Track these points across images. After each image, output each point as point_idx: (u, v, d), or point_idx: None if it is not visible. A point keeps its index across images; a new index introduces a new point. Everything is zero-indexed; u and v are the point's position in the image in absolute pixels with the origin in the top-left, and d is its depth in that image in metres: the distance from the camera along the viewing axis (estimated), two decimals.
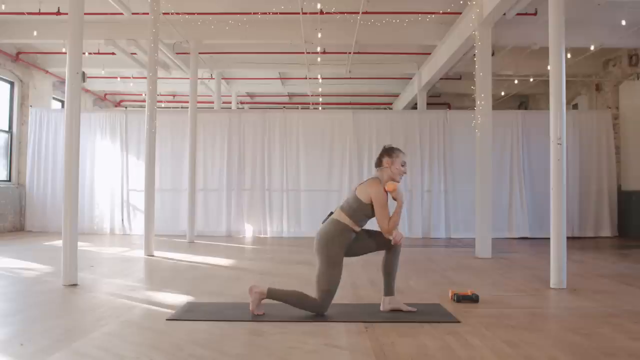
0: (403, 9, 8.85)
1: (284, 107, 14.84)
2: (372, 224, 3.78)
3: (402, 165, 3.83)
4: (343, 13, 8.77)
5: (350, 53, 10.78)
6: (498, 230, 9.82)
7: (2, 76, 10.89)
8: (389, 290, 3.86)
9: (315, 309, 3.70)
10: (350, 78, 13.45)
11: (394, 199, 3.78)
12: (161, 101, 15.14)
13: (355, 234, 3.80)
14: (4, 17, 9.21)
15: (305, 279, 5.29)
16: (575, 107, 12.49)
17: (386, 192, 3.77)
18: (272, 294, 3.72)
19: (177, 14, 8.87)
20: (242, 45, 10.90)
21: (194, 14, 9.00)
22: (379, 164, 3.87)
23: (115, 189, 10.79)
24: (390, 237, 3.72)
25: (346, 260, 3.84)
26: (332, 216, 3.81)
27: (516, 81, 11.88)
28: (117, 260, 6.86)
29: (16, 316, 3.73)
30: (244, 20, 9.31)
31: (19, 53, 11.16)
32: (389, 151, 3.85)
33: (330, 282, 3.66)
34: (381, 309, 3.87)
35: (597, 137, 10.67)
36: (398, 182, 3.84)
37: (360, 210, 3.73)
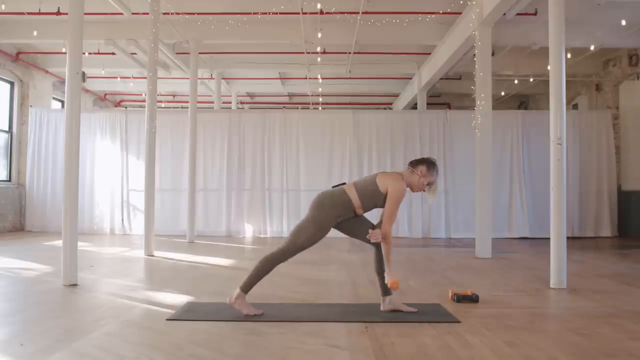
0: (403, 9, 8.85)
1: (284, 107, 14.84)
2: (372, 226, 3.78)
3: (428, 184, 3.78)
4: (343, 13, 8.77)
5: (350, 53, 10.78)
6: (498, 230, 9.82)
7: (2, 76, 10.89)
8: (386, 290, 3.85)
9: (281, 259, 3.70)
10: (350, 78, 13.45)
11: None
12: (161, 101, 15.14)
13: (355, 215, 3.78)
14: (4, 17, 9.21)
15: (305, 279, 5.29)
16: (575, 107, 12.49)
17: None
18: (245, 286, 3.71)
19: (177, 14, 8.87)
20: (242, 45, 10.90)
21: (194, 14, 9.00)
22: (413, 165, 3.81)
23: (115, 189, 10.79)
24: (373, 231, 3.68)
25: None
26: (344, 187, 3.78)
27: (516, 81, 11.88)
28: (117, 260, 6.86)
29: (16, 316, 3.73)
30: (244, 20, 9.31)
31: (19, 53, 11.16)
32: (430, 164, 3.78)
33: (308, 239, 3.66)
34: (381, 309, 3.87)
35: (597, 137, 10.67)
36: (413, 191, 3.83)
37: (372, 195, 3.69)
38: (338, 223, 3.76)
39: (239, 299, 3.70)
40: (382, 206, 3.73)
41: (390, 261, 3.71)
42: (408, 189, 3.82)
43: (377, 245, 3.81)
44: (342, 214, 3.71)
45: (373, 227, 3.81)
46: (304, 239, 3.66)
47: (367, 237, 3.73)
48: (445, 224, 10.52)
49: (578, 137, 10.59)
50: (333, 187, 3.85)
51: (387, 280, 3.69)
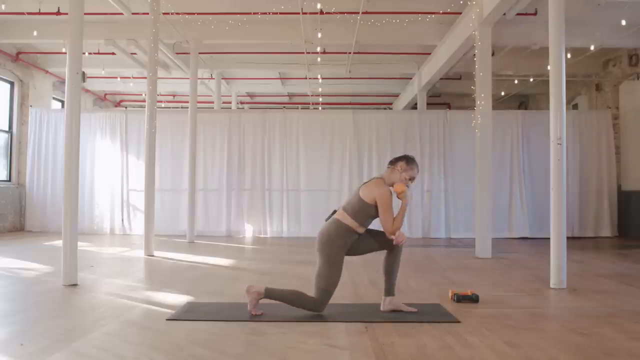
0: (403, 9, 8.85)
1: (284, 107, 14.84)
2: (374, 224, 3.78)
3: (410, 179, 3.82)
4: (343, 13, 8.77)
5: (350, 53, 10.78)
6: (498, 230, 9.82)
7: (2, 76, 10.89)
8: (389, 291, 3.86)
9: (313, 308, 3.70)
10: (350, 78, 13.45)
11: (399, 198, 3.78)
12: (161, 101, 15.14)
13: (358, 235, 3.80)
14: (4, 17, 9.21)
15: (305, 279, 5.29)
16: (575, 107, 12.49)
17: (392, 191, 3.77)
18: (269, 293, 3.72)
19: (177, 14, 8.86)
20: (242, 45, 10.90)
21: (194, 14, 9.00)
22: (393, 163, 3.87)
23: (115, 189, 10.79)
24: (393, 237, 3.72)
25: (346, 259, 3.85)
26: (335, 216, 3.80)
27: (516, 81, 11.88)
28: (117, 260, 6.86)
29: (16, 316, 3.73)
30: (244, 20, 9.30)
31: (19, 53, 11.16)
32: (409, 160, 3.85)
33: (329, 282, 3.67)
34: (381, 309, 3.87)
35: (597, 137, 10.67)
36: (394, 189, 3.84)
37: (364, 211, 3.73)
38: (348, 250, 3.78)
39: (257, 294, 3.71)
40: (377, 215, 3.76)
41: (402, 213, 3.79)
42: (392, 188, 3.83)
43: (391, 249, 3.82)
44: (347, 241, 3.74)
45: (379, 232, 3.83)
46: (327, 283, 3.67)
47: (390, 246, 3.78)
48: (445, 224, 10.51)
49: (578, 137, 10.59)
50: (326, 219, 3.86)
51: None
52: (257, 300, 3.72)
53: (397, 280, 3.98)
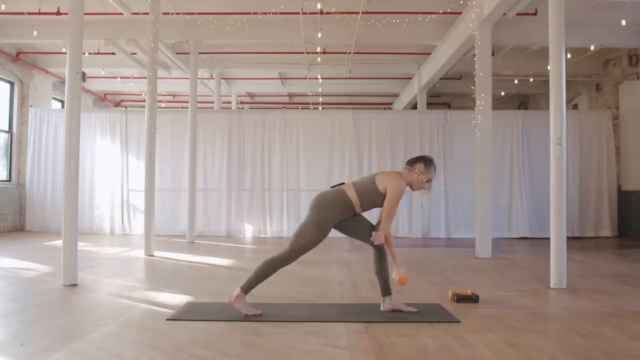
0: (403, 9, 8.84)
1: (284, 107, 14.82)
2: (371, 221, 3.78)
3: (427, 181, 3.81)
4: (343, 13, 8.77)
5: (350, 53, 10.78)
6: (498, 230, 9.82)
7: (2, 76, 10.89)
8: (386, 290, 3.85)
9: (285, 262, 3.72)
10: (350, 78, 13.45)
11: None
12: (161, 101, 15.13)
13: (354, 214, 3.80)
14: (4, 17, 9.20)
15: (305, 278, 5.29)
16: (575, 107, 12.49)
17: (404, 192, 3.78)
18: (247, 287, 3.72)
19: (177, 14, 8.86)
20: (242, 45, 10.90)
21: (194, 14, 9.00)
22: (411, 163, 3.85)
23: (115, 189, 10.79)
24: (374, 233, 3.72)
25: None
26: (343, 187, 3.80)
27: (516, 81, 11.88)
28: (117, 260, 6.86)
29: (16, 316, 3.73)
30: (244, 20, 9.30)
31: (19, 53, 11.16)
32: (428, 162, 3.84)
33: (311, 241, 3.68)
34: (381, 309, 3.86)
35: (597, 137, 10.67)
36: (413, 190, 3.85)
37: (372, 195, 3.72)
38: (338, 223, 3.77)
39: (239, 298, 3.71)
40: (381, 205, 3.75)
41: (395, 256, 3.75)
42: (408, 188, 3.83)
43: (378, 246, 3.81)
44: (342, 213, 3.72)
45: (372, 227, 3.82)
46: (306, 240, 3.67)
47: (370, 239, 3.75)
48: (445, 224, 10.52)
49: (578, 137, 10.60)
50: (332, 187, 3.86)
51: (394, 275, 3.72)
52: (244, 302, 3.71)
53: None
